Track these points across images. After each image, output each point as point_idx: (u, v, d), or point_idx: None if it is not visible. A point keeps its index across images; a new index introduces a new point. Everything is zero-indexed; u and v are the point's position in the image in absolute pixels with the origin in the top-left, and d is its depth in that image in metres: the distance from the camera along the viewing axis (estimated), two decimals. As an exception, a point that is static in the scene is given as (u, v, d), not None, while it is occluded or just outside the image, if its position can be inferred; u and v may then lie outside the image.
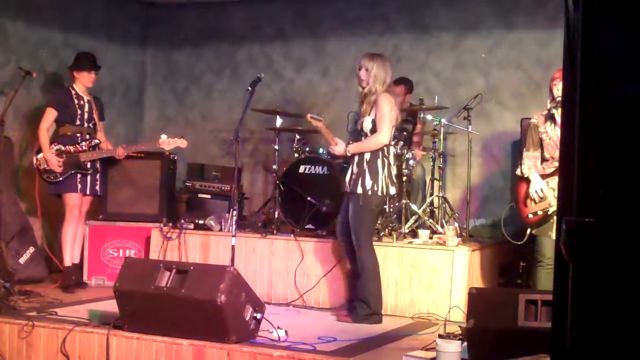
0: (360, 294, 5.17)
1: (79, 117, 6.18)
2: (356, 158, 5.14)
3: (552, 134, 5.10)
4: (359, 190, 5.06)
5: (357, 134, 5.24)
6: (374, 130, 5.09)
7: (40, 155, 6.12)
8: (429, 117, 6.37)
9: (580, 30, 1.89)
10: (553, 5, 6.55)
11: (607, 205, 1.83)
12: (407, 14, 7.33)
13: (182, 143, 6.14)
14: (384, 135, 5.08)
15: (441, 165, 6.51)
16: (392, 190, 5.19)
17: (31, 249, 6.44)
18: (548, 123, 5.14)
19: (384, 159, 5.13)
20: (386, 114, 5.07)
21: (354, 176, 5.11)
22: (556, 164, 5.05)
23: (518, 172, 5.27)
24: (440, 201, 6.30)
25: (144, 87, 8.43)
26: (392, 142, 5.42)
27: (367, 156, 5.10)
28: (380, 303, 5.20)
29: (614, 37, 1.86)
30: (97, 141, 6.20)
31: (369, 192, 5.05)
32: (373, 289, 5.15)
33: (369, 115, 5.11)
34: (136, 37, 8.27)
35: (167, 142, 6.10)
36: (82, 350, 4.59)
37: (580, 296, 1.87)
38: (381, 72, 5.11)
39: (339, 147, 5.23)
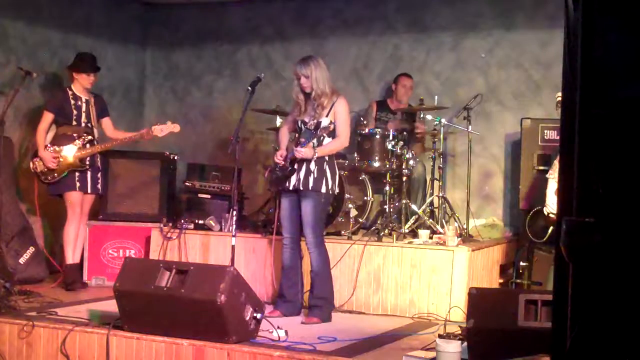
0: (320, 292, 5.21)
1: (75, 117, 6.18)
2: (314, 158, 5.14)
3: None
4: (323, 189, 5.13)
5: (309, 133, 5.17)
6: (332, 131, 5.13)
7: (35, 159, 6.11)
8: (429, 117, 6.37)
9: (580, 30, 1.89)
10: (553, 5, 6.55)
11: (607, 205, 1.83)
12: (407, 14, 7.33)
13: (174, 128, 6.11)
14: (347, 139, 5.26)
15: (441, 165, 6.51)
16: (337, 190, 5.33)
17: (31, 249, 6.43)
18: None
19: (336, 160, 5.33)
20: (347, 119, 5.27)
21: (314, 175, 5.12)
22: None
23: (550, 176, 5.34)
24: (440, 201, 6.29)
25: (144, 87, 8.43)
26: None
27: (326, 157, 5.18)
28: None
29: (614, 37, 1.86)
30: (90, 138, 6.19)
31: (330, 192, 5.18)
32: (331, 285, 5.29)
33: (326, 116, 5.14)
34: (136, 37, 8.27)
35: (159, 129, 6.08)
36: (82, 350, 4.60)
37: (580, 296, 1.87)
38: (321, 72, 5.16)
39: (307, 150, 5.09)
